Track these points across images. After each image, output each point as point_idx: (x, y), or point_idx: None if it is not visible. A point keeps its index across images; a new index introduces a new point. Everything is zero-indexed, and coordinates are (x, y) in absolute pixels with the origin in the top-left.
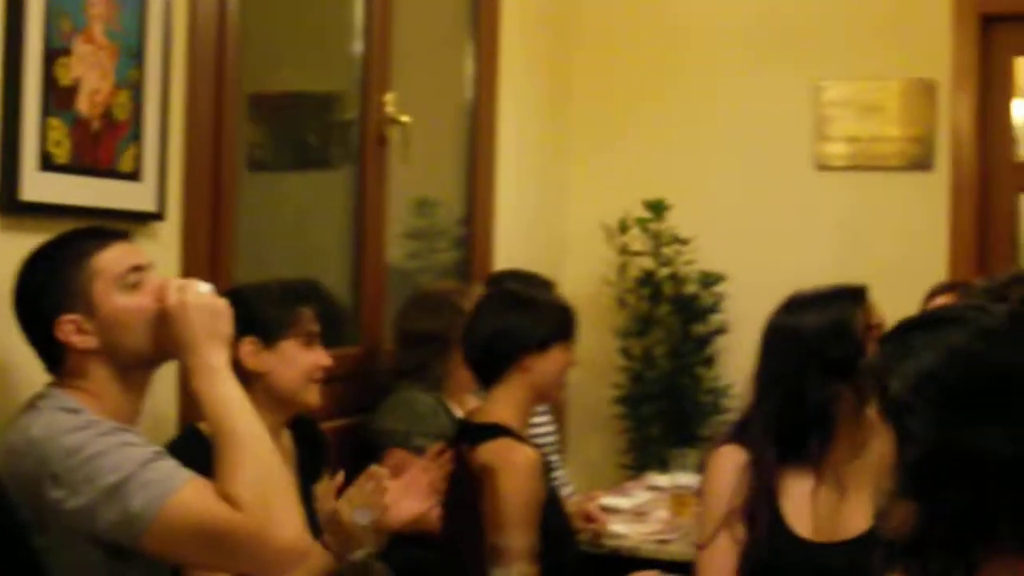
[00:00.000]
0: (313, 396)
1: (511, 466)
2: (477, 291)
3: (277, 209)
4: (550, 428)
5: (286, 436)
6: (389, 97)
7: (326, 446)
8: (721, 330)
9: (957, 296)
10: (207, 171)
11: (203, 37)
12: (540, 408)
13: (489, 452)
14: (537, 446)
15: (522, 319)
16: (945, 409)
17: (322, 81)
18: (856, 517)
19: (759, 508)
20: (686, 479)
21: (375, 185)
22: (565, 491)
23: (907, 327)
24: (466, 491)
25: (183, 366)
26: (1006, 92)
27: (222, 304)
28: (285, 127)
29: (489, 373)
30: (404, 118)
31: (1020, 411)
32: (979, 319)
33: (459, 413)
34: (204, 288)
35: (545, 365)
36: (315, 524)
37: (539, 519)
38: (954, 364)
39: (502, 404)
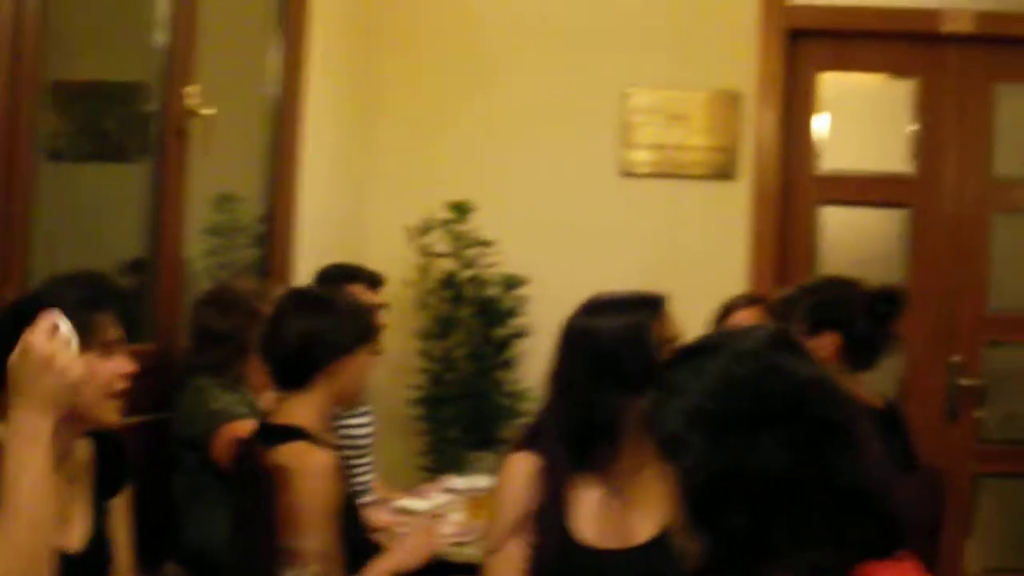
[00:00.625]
0: (110, 414)
1: (307, 468)
2: (276, 292)
3: (74, 200)
4: (368, 430)
5: (83, 447)
6: (192, 89)
7: (127, 460)
8: (522, 333)
9: (759, 311)
10: (1, 159)
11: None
12: (364, 408)
13: (286, 454)
14: (356, 447)
15: (326, 325)
16: (715, 437)
17: (125, 70)
18: (642, 525)
19: (547, 515)
20: (483, 482)
21: (174, 178)
22: (368, 495)
23: (671, 364)
24: (260, 492)
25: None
26: (809, 106)
27: (67, 366)
28: (85, 116)
29: (293, 378)
30: (207, 111)
31: (783, 428)
32: (736, 343)
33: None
34: (64, 339)
35: (349, 369)
36: (106, 542)
37: (335, 522)
38: (717, 391)
39: (302, 407)
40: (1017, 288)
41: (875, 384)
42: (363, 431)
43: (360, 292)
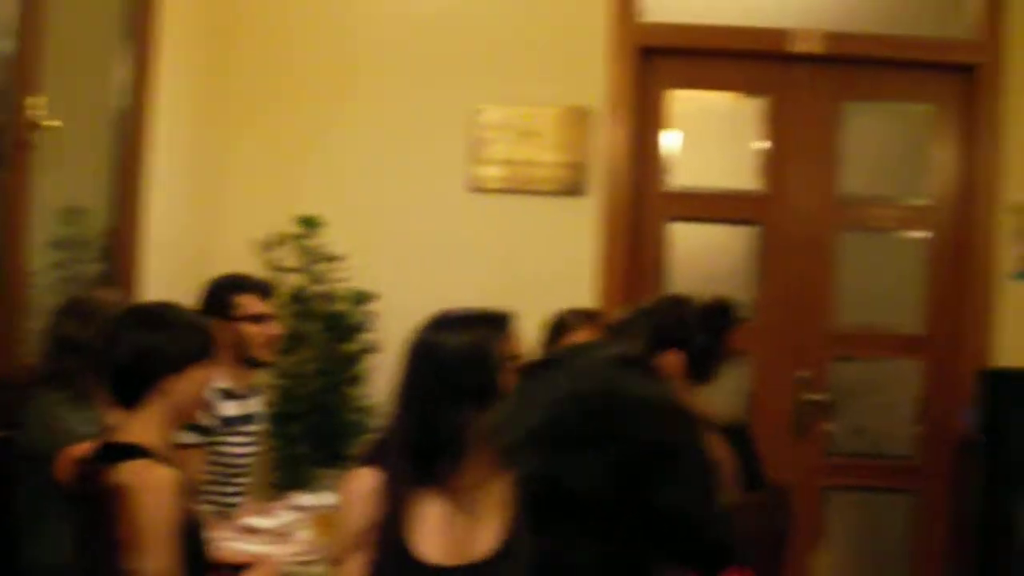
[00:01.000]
0: None
1: (147, 486)
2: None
3: None
4: (248, 450)
5: None
6: (36, 100)
7: None
8: (370, 349)
9: (596, 328)
10: None
11: None
12: (246, 428)
13: (125, 472)
14: (234, 466)
15: (158, 341)
16: (544, 451)
17: None
18: (484, 540)
19: (386, 530)
20: (331, 499)
21: (18, 191)
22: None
23: (525, 375)
24: (101, 513)
25: None
26: (659, 123)
27: None
28: None
29: (127, 394)
30: (52, 123)
31: (611, 449)
32: (584, 361)
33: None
34: None
35: (184, 386)
36: None
37: (176, 541)
38: (554, 406)
39: (141, 425)
40: (863, 304)
41: (724, 400)
42: (240, 450)
43: (251, 302)
